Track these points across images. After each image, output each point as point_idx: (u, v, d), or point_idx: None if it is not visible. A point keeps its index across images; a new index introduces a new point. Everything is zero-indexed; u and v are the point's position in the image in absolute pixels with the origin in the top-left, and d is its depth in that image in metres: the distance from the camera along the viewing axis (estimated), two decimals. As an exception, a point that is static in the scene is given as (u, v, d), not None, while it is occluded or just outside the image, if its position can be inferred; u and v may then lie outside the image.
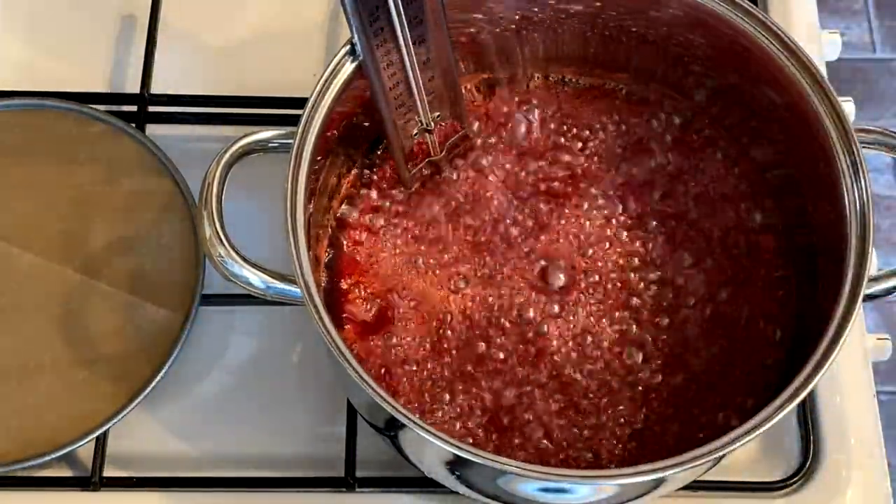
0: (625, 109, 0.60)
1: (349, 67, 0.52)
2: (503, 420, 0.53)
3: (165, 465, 0.57)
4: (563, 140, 0.60)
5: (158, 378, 0.56)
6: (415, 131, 0.55)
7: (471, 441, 0.53)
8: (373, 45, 0.50)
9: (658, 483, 0.50)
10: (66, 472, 0.57)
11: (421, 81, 0.53)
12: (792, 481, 0.57)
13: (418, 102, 0.54)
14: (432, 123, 0.55)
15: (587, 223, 0.58)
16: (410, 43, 0.51)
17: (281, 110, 0.64)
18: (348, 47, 0.51)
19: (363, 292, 0.56)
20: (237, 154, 0.51)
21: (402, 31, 0.50)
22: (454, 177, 0.59)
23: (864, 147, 0.51)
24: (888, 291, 0.51)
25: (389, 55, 0.51)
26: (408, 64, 0.51)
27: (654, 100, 0.60)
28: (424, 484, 0.55)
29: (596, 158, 0.59)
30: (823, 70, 0.64)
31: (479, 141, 0.59)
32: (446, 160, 0.58)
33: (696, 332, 0.55)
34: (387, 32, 0.50)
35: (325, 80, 0.51)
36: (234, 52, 0.68)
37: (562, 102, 0.61)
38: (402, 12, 0.49)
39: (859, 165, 0.50)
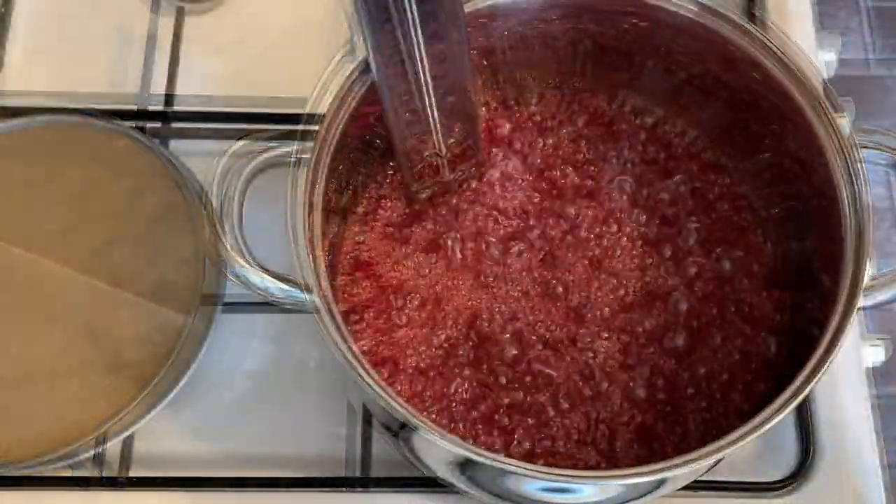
0: (630, 125, 0.62)
1: (365, 83, 0.52)
2: (507, 420, 0.55)
3: (188, 465, 0.58)
4: (570, 158, 0.61)
5: (182, 383, 0.58)
6: (427, 153, 0.55)
7: (478, 442, 0.54)
8: (387, 64, 0.49)
9: (660, 483, 0.51)
10: (94, 472, 0.58)
11: (435, 105, 0.52)
12: (790, 481, 0.58)
13: (433, 126, 0.53)
14: (444, 149, 0.55)
15: (594, 239, 0.59)
16: (426, 64, 0.50)
17: (299, 126, 0.64)
18: (363, 66, 0.52)
19: (378, 300, 0.57)
20: (258, 168, 0.52)
21: (418, 51, 0.49)
22: (462, 192, 0.60)
23: (863, 150, 0.52)
24: (883, 303, 0.52)
25: (405, 76, 0.50)
26: (424, 85, 0.51)
27: (657, 117, 0.62)
28: (434, 484, 0.56)
29: (604, 176, 0.60)
30: (820, 87, 0.64)
31: (487, 158, 0.60)
32: (456, 181, 0.58)
33: (697, 337, 0.57)
34: (404, 52, 0.49)
35: (341, 98, 0.52)
36: (253, 70, 0.69)
37: (569, 120, 0.62)
38: (420, 30, 0.48)
39: (854, 177, 0.52)
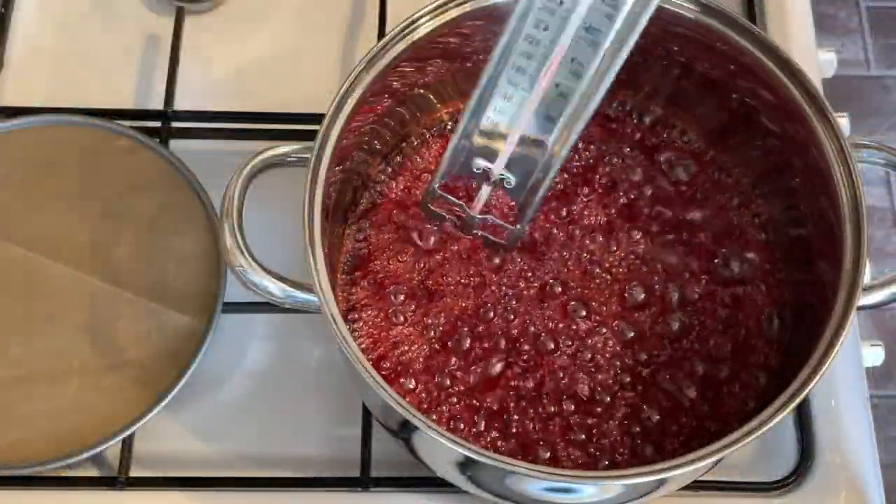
0: (630, 124, 0.62)
1: (365, 82, 0.53)
2: (512, 422, 0.55)
3: (188, 465, 0.59)
4: (568, 157, 0.59)
5: (182, 382, 0.58)
6: (478, 167, 0.52)
7: (478, 441, 0.54)
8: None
9: (660, 483, 0.51)
10: (93, 472, 0.58)
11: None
12: (788, 481, 0.59)
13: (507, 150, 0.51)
14: (496, 173, 0.52)
15: (592, 237, 0.59)
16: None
17: (299, 126, 0.65)
18: (362, 66, 0.53)
19: (377, 299, 0.57)
20: (257, 168, 0.52)
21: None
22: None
23: (859, 162, 0.52)
24: (882, 303, 0.52)
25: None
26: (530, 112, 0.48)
27: (657, 117, 0.62)
28: (436, 484, 0.56)
29: (602, 176, 0.60)
30: (820, 87, 0.65)
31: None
32: (474, 227, 0.56)
33: (696, 337, 0.57)
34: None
35: (341, 97, 0.52)
36: (253, 70, 0.70)
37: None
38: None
39: (854, 178, 0.52)
